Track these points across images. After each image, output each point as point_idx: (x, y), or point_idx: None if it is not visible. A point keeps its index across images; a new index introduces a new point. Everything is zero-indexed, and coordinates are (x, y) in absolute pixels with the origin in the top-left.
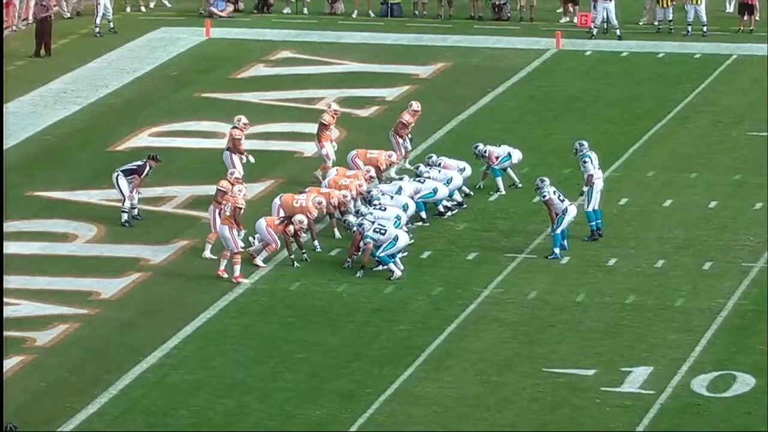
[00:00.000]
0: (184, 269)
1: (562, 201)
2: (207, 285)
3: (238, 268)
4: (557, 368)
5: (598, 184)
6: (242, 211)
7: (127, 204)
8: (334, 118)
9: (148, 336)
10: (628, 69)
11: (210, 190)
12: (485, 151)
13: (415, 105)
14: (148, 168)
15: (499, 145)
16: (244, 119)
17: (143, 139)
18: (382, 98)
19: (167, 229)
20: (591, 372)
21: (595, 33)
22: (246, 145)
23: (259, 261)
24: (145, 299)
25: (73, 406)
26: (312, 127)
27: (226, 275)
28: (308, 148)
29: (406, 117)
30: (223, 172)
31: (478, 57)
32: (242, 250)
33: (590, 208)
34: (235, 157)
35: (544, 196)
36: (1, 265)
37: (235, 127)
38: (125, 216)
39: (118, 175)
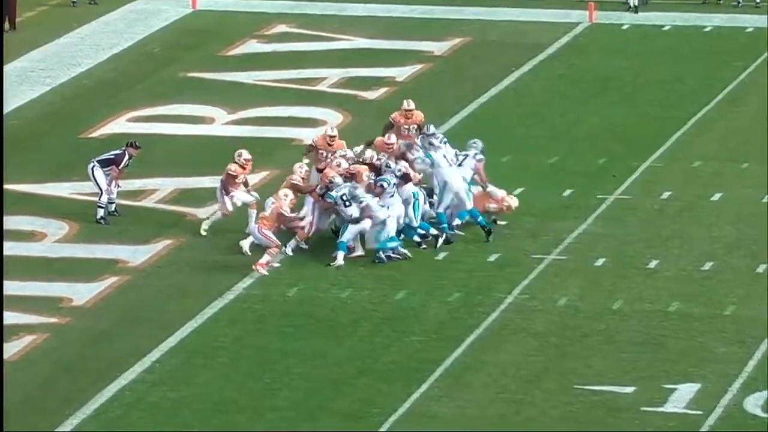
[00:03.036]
0: (168, 272)
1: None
2: (193, 290)
3: (268, 258)
4: (591, 385)
5: (453, 183)
6: (285, 218)
7: (105, 198)
8: (244, 168)
9: (126, 348)
10: (670, 45)
11: (197, 182)
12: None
13: (407, 104)
14: (127, 157)
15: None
16: (246, 154)
17: (121, 125)
18: (392, 78)
19: (148, 227)
20: (629, 389)
21: (634, 3)
22: (238, 131)
23: (263, 270)
24: (122, 306)
25: (41, 429)
26: (312, 111)
27: (263, 271)
28: (307, 135)
29: (398, 119)
30: (213, 160)
31: (499, 31)
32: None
33: (441, 209)
34: (227, 199)
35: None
36: (1, 266)
37: (234, 162)
38: (101, 212)
39: (93, 166)
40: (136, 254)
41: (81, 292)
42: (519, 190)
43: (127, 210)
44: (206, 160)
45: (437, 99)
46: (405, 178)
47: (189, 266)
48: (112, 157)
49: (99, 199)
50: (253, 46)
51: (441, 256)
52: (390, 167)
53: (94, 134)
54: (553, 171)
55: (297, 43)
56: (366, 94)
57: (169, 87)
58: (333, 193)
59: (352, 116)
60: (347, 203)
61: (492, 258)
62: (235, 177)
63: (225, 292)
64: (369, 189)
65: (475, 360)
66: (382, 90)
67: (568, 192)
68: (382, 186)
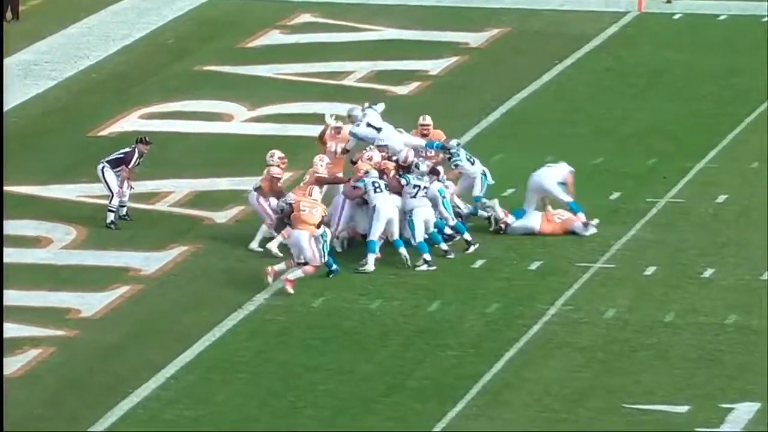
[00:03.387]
0: (183, 281)
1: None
2: (211, 300)
3: (299, 273)
4: (641, 404)
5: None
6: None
7: (116, 201)
8: (281, 168)
9: (138, 363)
10: (726, 35)
11: (214, 184)
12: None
13: (423, 119)
14: (137, 155)
15: (473, 163)
16: (279, 153)
17: (132, 122)
18: (425, 72)
19: (162, 232)
20: (683, 409)
21: None
22: (258, 129)
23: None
24: (134, 318)
25: None
26: (339, 108)
27: (290, 289)
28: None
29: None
30: (232, 160)
31: (541, 21)
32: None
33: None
34: (264, 203)
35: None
36: (1, 266)
37: (270, 165)
38: (112, 216)
39: (103, 167)
40: (149, 261)
41: (90, 303)
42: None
43: (140, 214)
44: (224, 159)
45: (473, 94)
46: (433, 173)
47: (206, 274)
48: (122, 155)
49: (109, 202)
50: (274, 37)
51: (478, 263)
52: (419, 168)
53: (104, 132)
54: (598, 172)
55: (322, 33)
56: (397, 89)
57: (184, 81)
58: (365, 179)
59: (382, 113)
60: (377, 189)
61: (533, 266)
62: (279, 179)
63: (245, 303)
64: (393, 185)
65: (515, 377)
66: (414, 85)
67: (615, 195)
68: (400, 182)
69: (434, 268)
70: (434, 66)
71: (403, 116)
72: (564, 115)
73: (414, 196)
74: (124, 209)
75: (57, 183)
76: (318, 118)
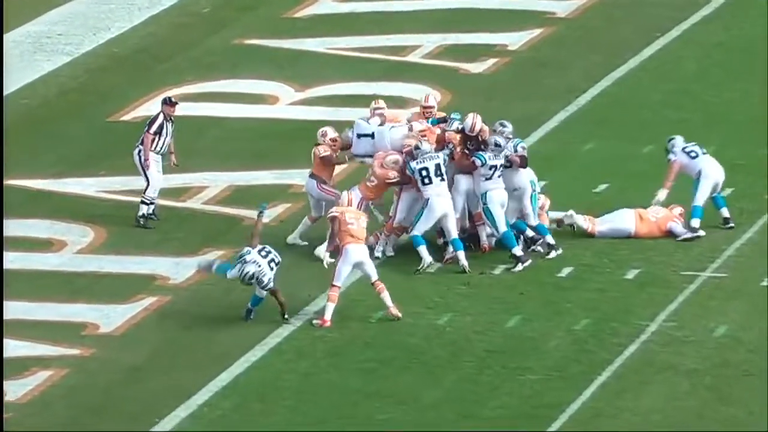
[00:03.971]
0: (218, 291)
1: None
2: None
3: (331, 310)
4: None
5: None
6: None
7: (151, 192)
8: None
9: (165, 388)
10: None
11: (256, 178)
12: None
13: (426, 100)
14: (162, 118)
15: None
16: (331, 132)
17: (160, 105)
18: (503, 47)
19: (194, 234)
20: None
21: None
22: (308, 113)
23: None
24: (161, 335)
25: None
26: (402, 88)
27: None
28: (399, 116)
29: (413, 120)
30: (277, 150)
31: None
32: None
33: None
34: (329, 187)
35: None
36: (1, 267)
37: (318, 144)
38: (144, 209)
39: (140, 151)
40: (178, 269)
41: (109, 317)
42: (663, 192)
43: (168, 212)
44: (268, 149)
45: (561, 72)
46: (520, 163)
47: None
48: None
49: (144, 193)
50: (327, 5)
51: (564, 272)
52: (500, 145)
53: (126, 117)
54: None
55: (382, 1)
56: (470, 66)
57: (221, 57)
58: (413, 164)
59: (453, 95)
60: (426, 180)
61: (630, 275)
62: (330, 159)
63: (290, 317)
64: (462, 164)
65: (609, 405)
66: (491, 62)
67: (727, 191)
68: (474, 162)
69: (529, 263)
70: (514, 39)
71: (479, 99)
72: (667, 97)
73: (489, 178)
74: (152, 206)
75: (73, 176)
76: (374, 101)
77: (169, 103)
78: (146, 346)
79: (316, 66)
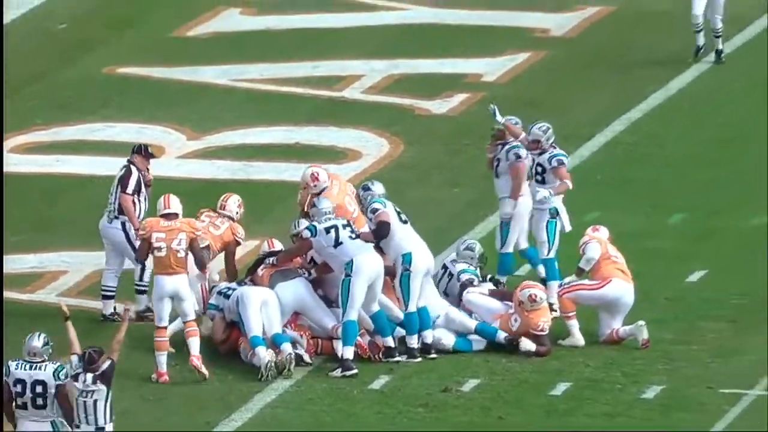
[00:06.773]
0: None
1: None
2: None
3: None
4: None
5: None
6: None
7: (147, 276)
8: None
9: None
10: None
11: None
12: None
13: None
14: (136, 174)
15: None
16: (234, 200)
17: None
18: (476, 77)
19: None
20: None
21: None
22: (204, 170)
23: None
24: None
25: None
26: (337, 135)
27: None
28: (339, 170)
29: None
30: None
31: None
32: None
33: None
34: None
35: None
36: (1, 268)
37: (230, 218)
38: (145, 300)
39: (124, 223)
40: None
41: None
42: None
43: (11, 307)
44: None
45: (556, 113)
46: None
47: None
48: (118, 179)
49: (140, 279)
50: (232, 19)
51: (560, 388)
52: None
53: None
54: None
55: (311, 14)
56: (430, 104)
57: (83, 92)
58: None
59: (405, 145)
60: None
61: (649, 393)
62: (239, 243)
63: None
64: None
65: None
66: (458, 98)
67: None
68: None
69: (352, 373)
70: (491, 68)
71: (439, 150)
72: (700, 149)
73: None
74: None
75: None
76: (299, 154)
77: (143, 153)
78: None
79: (217, 104)
